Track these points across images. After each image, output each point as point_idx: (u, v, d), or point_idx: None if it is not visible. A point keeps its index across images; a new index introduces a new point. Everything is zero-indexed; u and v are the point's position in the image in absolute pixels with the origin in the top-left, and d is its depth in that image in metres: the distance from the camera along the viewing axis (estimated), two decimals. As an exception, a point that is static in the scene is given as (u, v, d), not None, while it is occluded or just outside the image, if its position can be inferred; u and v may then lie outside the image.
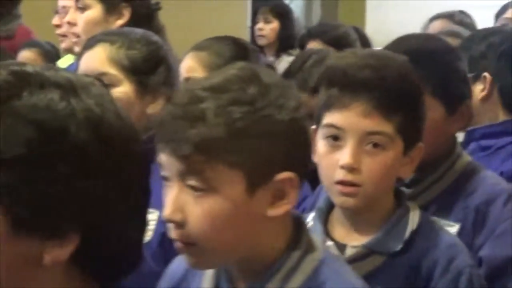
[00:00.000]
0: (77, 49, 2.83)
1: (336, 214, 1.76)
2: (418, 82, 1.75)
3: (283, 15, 5.40)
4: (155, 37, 2.20)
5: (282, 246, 1.37)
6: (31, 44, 4.54)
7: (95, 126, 1.01)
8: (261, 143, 1.32)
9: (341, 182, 1.69)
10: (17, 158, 0.97)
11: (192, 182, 1.31)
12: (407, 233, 1.72)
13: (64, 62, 3.94)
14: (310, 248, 1.39)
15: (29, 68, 1.03)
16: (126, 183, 1.03)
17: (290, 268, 1.37)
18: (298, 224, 1.41)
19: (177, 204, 1.32)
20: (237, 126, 1.31)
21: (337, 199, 1.72)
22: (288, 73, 2.80)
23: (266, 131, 1.32)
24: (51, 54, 4.46)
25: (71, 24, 2.99)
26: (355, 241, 1.73)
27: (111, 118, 1.03)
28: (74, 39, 2.96)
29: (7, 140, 0.97)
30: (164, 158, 1.33)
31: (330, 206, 1.77)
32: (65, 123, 0.99)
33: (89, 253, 1.02)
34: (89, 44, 2.15)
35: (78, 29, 2.90)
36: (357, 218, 1.74)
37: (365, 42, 4.37)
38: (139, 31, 2.20)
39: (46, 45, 4.52)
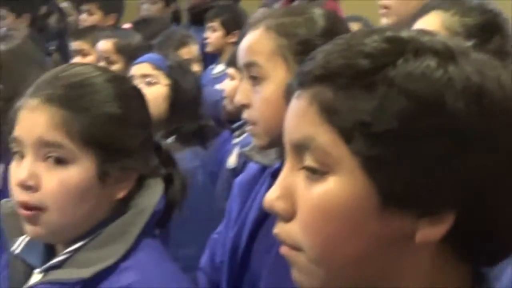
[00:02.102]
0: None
1: None
2: None
3: None
4: (492, 5, 2.10)
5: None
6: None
7: (474, 96, 0.92)
8: None
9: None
10: (390, 131, 0.91)
11: None
12: None
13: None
14: None
15: (404, 34, 0.96)
16: (506, 156, 0.93)
17: None
18: None
19: None
20: None
21: None
22: None
23: None
24: None
25: None
26: None
27: (492, 87, 0.93)
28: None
29: (380, 112, 0.91)
30: None
31: None
32: (441, 93, 0.91)
33: (464, 232, 0.94)
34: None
35: None
36: None
37: None
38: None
39: None
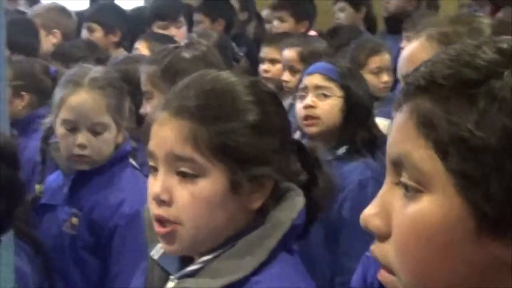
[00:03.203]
0: None
1: None
2: None
3: None
4: None
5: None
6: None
7: None
8: None
9: None
10: (488, 148, 0.84)
11: None
12: None
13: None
14: None
15: None
16: None
17: None
18: None
19: None
20: None
21: None
22: None
23: None
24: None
25: None
26: None
27: None
28: None
29: (479, 126, 0.84)
30: None
31: None
32: None
33: None
34: None
35: None
36: None
37: None
38: None
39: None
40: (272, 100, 1.59)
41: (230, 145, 1.49)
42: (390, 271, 0.91)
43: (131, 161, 2.73)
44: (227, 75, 1.59)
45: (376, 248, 0.93)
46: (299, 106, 3.00)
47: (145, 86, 2.70)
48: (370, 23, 5.88)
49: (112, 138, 2.64)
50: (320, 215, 1.62)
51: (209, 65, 2.46)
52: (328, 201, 1.64)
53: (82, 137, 2.60)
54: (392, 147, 0.91)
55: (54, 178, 2.78)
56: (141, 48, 4.07)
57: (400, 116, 0.91)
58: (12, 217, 1.49)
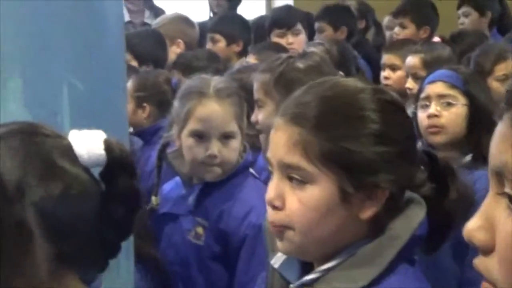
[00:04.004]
0: None
1: None
2: None
3: None
4: None
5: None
6: None
7: None
8: None
9: None
10: None
11: None
12: None
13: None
14: None
15: None
16: None
17: None
18: None
19: None
20: None
21: None
22: None
23: None
24: None
25: None
26: None
27: None
28: None
29: None
30: None
31: None
32: None
33: None
34: None
35: None
36: None
37: None
38: None
39: None
40: (395, 109, 1.55)
41: (342, 153, 1.47)
42: (495, 286, 0.88)
43: (251, 170, 2.76)
44: (348, 82, 1.58)
45: (480, 262, 0.90)
46: (421, 115, 2.95)
47: (257, 93, 2.73)
48: (503, 27, 5.72)
49: (238, 146, 2.67)
50: (455, 226, 1.56)
51: (322, 75, 2.45)
52: (464, 212, 1.58)
53: (213, 146, 2.64)
54: (494, 157, 0.88)
55: (171, 188, 2.82)
56: (252, 61, 4.11)
57: (501, 126, 0.88)
58: (131, 226, 1.52)
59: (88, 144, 1.47)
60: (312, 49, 3.88)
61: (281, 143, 1.50)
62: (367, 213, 1.49)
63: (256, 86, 2.73)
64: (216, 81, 2.72)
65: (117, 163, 1.48)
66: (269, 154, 1.53)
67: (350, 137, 1.48)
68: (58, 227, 1.42)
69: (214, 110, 2.64)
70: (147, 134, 3.58)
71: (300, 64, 2.69)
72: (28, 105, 2.26)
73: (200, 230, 2.69)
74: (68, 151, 1.47)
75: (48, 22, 2.23)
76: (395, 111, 1.55)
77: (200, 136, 2.64)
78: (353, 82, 1.58)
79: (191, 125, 2.65)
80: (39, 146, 1.45)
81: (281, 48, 4.27)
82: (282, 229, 1.51)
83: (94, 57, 2.29)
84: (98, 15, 2.30)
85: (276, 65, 2.70)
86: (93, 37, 2.28)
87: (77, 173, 1.45)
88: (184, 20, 4.98)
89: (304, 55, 2.80)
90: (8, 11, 2.23)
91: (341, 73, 3.96)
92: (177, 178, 2.81)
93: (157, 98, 3.60)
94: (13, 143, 1.44)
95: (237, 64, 4.44)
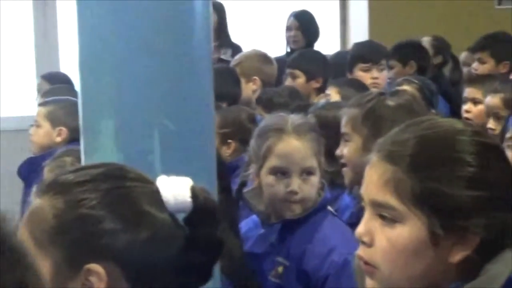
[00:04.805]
0: None
1: None
2: None
3: None
4: None
5: None
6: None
7: None
8: None
9: None
10: None
11: None
12: None
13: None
14: None
15: None
16: None
17: None
18: None
19: None
20: None
21: None
22: None
23: None
24: None
25: None
26: None
27: None
28: None
29: None
30: None
31: None
32: None
33: None
34: None
35: None
36: None
37: None
38: None
39: None
40: (493, 153, 1.54)
41: (434, 194, 1.45)
42: None
43: (329, 208, 2.75)
44: (447, 122, 1.57)
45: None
46: (510, 154, 2.91)
47: (344, 127, 2.73)
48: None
49: (317, 182, 2.67)
50: None
51: (413, 114, 2.45)
52: None
53: (293, 183, 2.64)
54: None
55: (249, 227, 2.82)
56: (333, 93, 4.11)
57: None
58: (211, 272, 1.53)
59: (176, 190, 1.49)
60: (405, 87, 3.89)
61: (374, 180, 1.50)
62: (457, 257, 1.47)
63: (344, 120, 2.74)
64: (293, 118, 2.74)
65: (201, 210, 1.49)
66: (362, 190, 1.53)
67: (443, 179, 1.46)
68: (140, 272, 1.44)
69: (294, 145, 2.66)
70: (227, 170, 3.61)
71: (391, 102, 2.69)
72: (121, 145, 2.30)
73: (280, 269, 2.68)
74: (156, 197, 1.48)
75: (140, 66, 2.28)
76: (493, 155, 1.53)
77: (281, 173, 2.66)
78: (452, 122, 1.57)
79: (271, 162, 2.67)
80: (127, 191, 1.47)
81: (361, 84, 4.28)
82: (372, 267, 1.51)
83: (185, 98, 2.33)
84: (189, 57, 2.34)
85: (366, 101, 2.71)
86: (184, 78, 2.32)
87: (163, 219, 1.47)
88: (261, 57, 5.01)
89: (395, 93, 2.81)
90: (104, 55, 2.29)
91: (433, 111, 3.95)
92: (254, 217, 2.81)
93: (242, 135, 3.63)
94: (101, 186, 1.46)
95: (317, 100, 4.46)
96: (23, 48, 6.70)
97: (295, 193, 2.63)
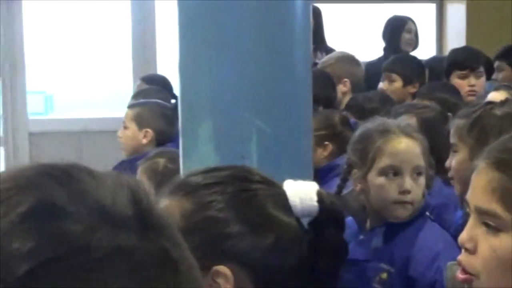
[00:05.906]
0: None
1: None
2: None
3: None
4: None
5: None
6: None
7: None
8: None
9: None
10: None
11: None
12: None
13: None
14: None
15: None
16: None
17: None
18: None
19: None
20: None
21: None
22: None
23: None
24: None
25: None
26: None
27: None
28: None
29: None
30: None
31: None
32: None
33: None
34: None
35: None
36: None
37: None
38: None
39: None
40: None
41: None
42: None
43: (427, 213, 2.72)
44: None
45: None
46: None
47: (452, 138, 2.70)
48: None
49: (424, 183, 2.66)
50: None
51: None
52: None
53: (407, 182, 2.63)
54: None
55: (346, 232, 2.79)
56: (500, 97, 4.06)
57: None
58: (335, 278, 1.52)
59: (302, 194, 1.49)
60: (502, 92, 3.80)
61: (480, 187, 1.48)
62: None
63: (452, 130, 2.72)
64: (395, 121, 2.75)
65: (327, 214, 1.49)
66: (468, 196, 1.51)
67: None
68: (265, 275, 1.45)
69: (406, 143, 2.65)
70: (322, 173, 3.60)
71: (498, 111, 2.64)
72: (218, 148, 2.32)
73: (384, 275, 2.66)
74: (282, 200, 1.48)
75: (238, 71, 2.30)
76: None
77: (392, 173, 2.64)
78: None
79: (382, 162, 2.64)
80: (252, 194, 1.48)
81: (453, 89, 4.21)
82: (468, 277, 1.48)
83: (282, 102, 2.33)
84: (286, 60, 2.34)
85: (473, 111, 2.68)
86: (281, 82, 2.33)
87: (289, 223, 1.47)
88: (350, 59, 5.00)
89: (504, 102, 2.76)
90: (203, 60, 2.32)
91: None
92: (349, 221, 2.79)
93: (337, 137, 3.63)
94: (229, 189, 1.48)
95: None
96: (120, 49, 6.81)
97: (408, 192, 2.62)
